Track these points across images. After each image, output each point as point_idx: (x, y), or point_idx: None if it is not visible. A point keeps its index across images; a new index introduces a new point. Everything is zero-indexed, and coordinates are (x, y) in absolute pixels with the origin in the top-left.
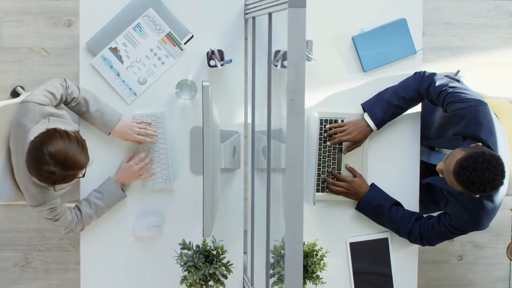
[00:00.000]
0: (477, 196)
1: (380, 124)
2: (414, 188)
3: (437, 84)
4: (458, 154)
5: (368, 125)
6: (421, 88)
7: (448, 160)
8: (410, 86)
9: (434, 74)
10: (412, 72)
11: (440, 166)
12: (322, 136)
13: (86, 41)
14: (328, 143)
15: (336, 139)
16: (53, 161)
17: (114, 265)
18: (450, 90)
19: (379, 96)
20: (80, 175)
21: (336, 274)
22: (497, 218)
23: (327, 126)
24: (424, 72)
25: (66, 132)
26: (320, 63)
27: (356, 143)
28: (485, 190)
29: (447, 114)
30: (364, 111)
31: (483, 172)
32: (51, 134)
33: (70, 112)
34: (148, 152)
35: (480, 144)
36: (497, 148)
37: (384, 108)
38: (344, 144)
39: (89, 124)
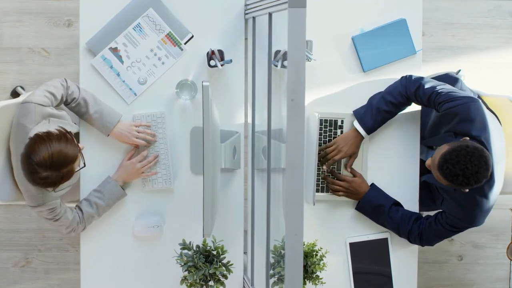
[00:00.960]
0: (466, 190)
1: (370, 130)
2: (414, 188)
3: (426, 87)
4: (443, 148)
5: (358, 134)
6: (408, 92)
7: (434, 155)
8: (397, 91)
9: (421, 78)
10: (412, 73)
11: (428, 161)
12: (322, 136)
13: (86, 41)
14: (324, 167)
15: (330, 160)
16: (42, 168)
17: (114, 265)
18: (440, 91)
19: (369, 103)
20: (82, 165)
21: (336, 274)
22: (497, 218)
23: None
24: (410, 76)
25: (47, 133)
26: (320, 63)
27: (351, 156)
28: (469, 183)
29: (440, 113)
30: (355, 118)
31: (465, 164)
32: (33, 143)
33: (70, 113)
34: (149, 152)
35: (468, 138)
36: (491, 144)
37: (374, 114)
38: (343, 161)
39: (89, 125)
